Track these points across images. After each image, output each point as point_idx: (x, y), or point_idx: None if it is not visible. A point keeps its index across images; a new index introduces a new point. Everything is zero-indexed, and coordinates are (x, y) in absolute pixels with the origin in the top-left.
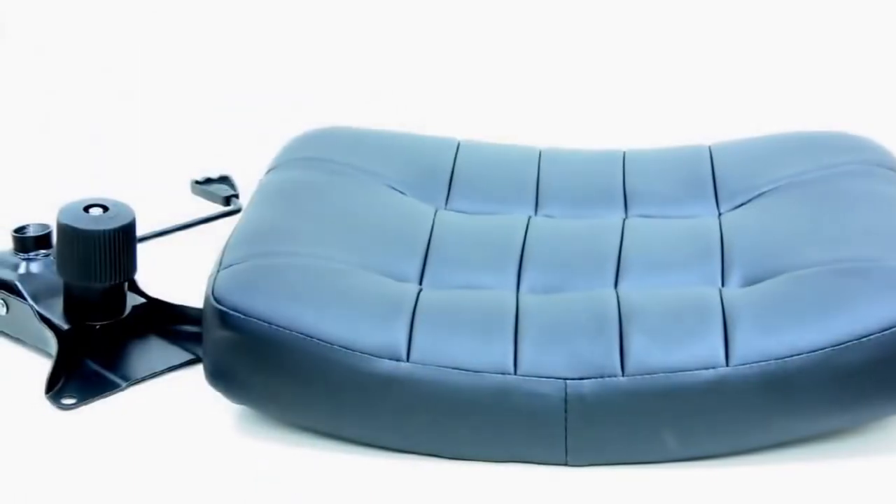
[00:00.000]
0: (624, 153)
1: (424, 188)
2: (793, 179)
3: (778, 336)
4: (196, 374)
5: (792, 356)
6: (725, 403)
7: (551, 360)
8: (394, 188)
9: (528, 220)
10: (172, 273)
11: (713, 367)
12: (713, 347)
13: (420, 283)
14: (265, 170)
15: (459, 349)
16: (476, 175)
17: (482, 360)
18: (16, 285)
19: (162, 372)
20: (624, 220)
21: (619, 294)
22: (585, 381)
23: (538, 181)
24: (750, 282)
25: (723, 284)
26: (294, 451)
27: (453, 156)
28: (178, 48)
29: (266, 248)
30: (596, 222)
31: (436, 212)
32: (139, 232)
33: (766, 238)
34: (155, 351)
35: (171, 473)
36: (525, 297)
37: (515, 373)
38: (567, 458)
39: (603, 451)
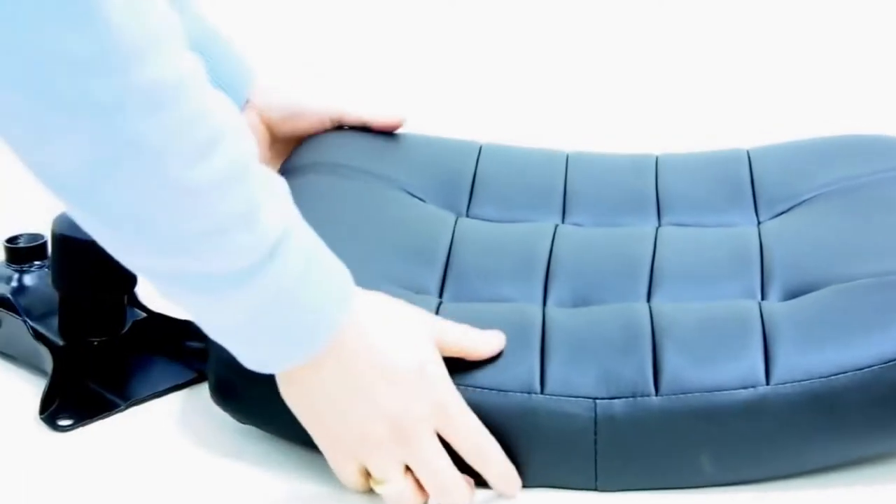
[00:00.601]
0: (656, 157)
1: (445, 194)
2: (836, 186)
3: (822, 353)
4: (201, 394)
5: (837, 374)
6: (766, 425)
7: (580, 378)
8: (412, 194)
9: (555, 228)
10: None
11: (753, 387)
12: (753, 365)
13: (440, 296)
14: None
15: (482, 367)
16: (499, 180)
17: (507, 379)
18: (8, 299)
19: (164, 391)
20: (657, 229)
21: (652, 307)
22: (616, 400)
23: (565, 187)
24: (791, 294)
25: (763, 297)
26: (302, 476)
27: (475, 160)
28: None
29: None
30: (627, 231)
31: (456, 219)
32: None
33: (809, 248)
34: (157, 369)
35: (173, 498)
36: (552, 311)
37: (542, 392)
38: (597, 483)
39: (634, 475)
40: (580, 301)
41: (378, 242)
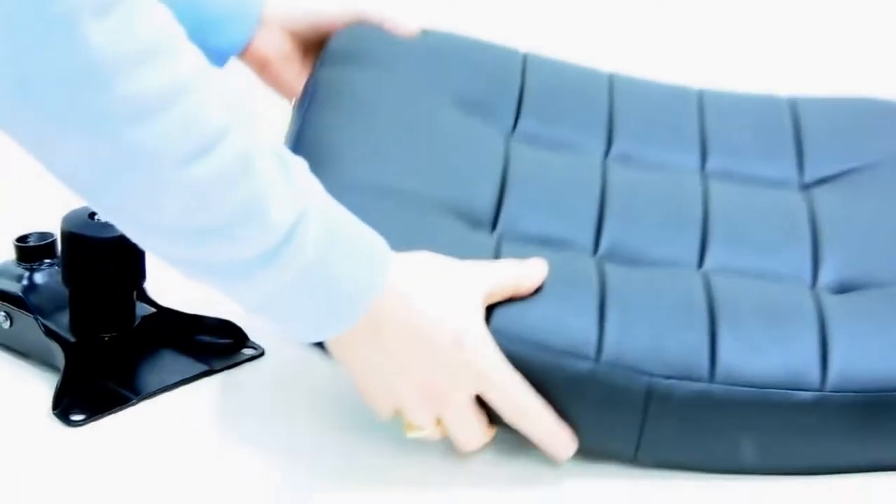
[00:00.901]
0: (700, 92)
1: (492, 102)
2: (889, 157)
3: (878, 364)
4: (211, 387)
5: (891, 390)
6: (814, 425)
7: (635, 349)
8: (459, 100)
9: (605, 166)
10: (183, 281)
11: (808, 390)
12: (808, 366)
13: (493, 227)
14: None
15: (542, 322)
16: (547, 93)
17: (562, 339)
18: (20, 297)
19: (175, 385)
20: (706, 183)
21: (710, 281)
22: (670, 380)
23: (611, 109)
24: (843, 281)
25: (814, 275)
26: (316, 467)
27: (521, 68)
28: None
29: (335, 174)
30: (677, 181)
31: (507, 143)
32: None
33: (862, 232)
34: (167, 363)
35: (185, 491)
36: (609, 271)
37: (597, 359)
38: (636, 454)
39: (674, 453)
40: (632, 251)
41: (429, 159)
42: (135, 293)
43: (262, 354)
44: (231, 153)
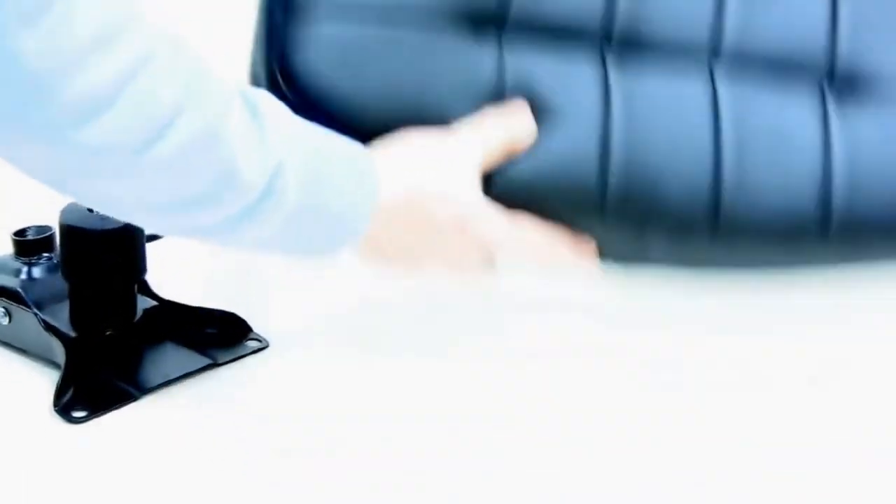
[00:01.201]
0: None
1: None
2: None
3: (883, 203)
4: (215, 380)
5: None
6: (812, 259)
7: (638, 208)
8: None
9: None
10: (185, 273)
11: (808, 236)
12: (810, 213)
13: (501, 18)
14: None
15: (542, 179)
16: None
17: (566, 197)
18: (18, 292)
19: (178, 379)
20: None
21: (717, 104)
22: (672, 234)
23: None
24: (855, 64)
25: (831, 45)
26: (319, 464)
27: None
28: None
29: None
30: None
31: None
32: (147, 230)
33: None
34: (170, 357)
35: (189, 487)
36: (614, 89)
37: (602, 214)
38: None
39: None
40: (633, 33)
41: None
42: (136, 286)
43: (266, 347)
44: (190, 127)
